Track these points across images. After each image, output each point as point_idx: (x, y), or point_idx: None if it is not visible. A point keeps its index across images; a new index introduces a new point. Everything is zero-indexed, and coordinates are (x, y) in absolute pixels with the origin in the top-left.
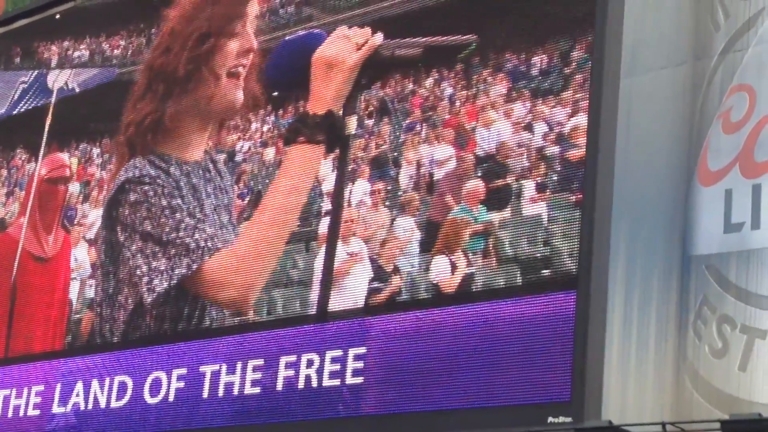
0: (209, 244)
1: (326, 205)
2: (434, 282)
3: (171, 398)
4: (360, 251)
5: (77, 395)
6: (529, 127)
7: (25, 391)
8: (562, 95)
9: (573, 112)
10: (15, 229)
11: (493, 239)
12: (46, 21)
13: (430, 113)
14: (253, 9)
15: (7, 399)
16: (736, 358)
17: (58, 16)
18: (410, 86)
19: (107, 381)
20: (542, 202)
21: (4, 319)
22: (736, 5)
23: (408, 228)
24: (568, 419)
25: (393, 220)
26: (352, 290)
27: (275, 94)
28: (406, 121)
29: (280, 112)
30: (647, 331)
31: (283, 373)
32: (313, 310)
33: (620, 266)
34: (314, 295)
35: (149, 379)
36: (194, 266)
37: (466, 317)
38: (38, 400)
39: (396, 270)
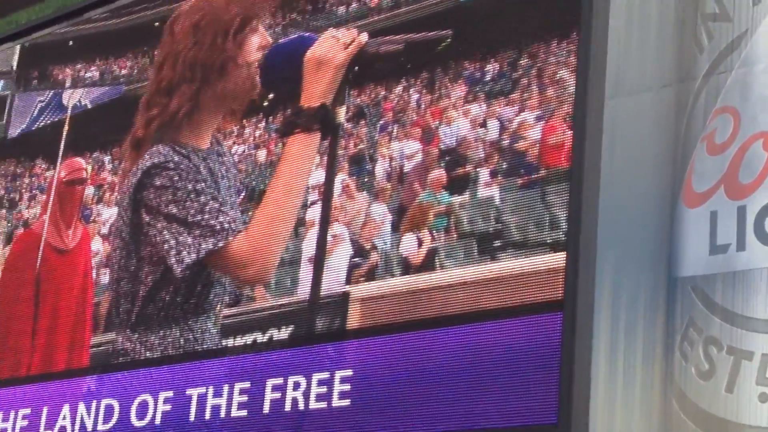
0: (232, 226)
1: (311, 196)
2: (404, 256)
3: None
4: (342, 233)
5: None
6: (484, 124)
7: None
8: (510, 96)
9: (520, 110)
10: (37, 225)
11: (454, 218)
12: (61, 47)
13: (400, 115)
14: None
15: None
16: (723, 379)
17: (71, 43)
18: (383, 93)
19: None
20: (495, 186)
21: (30, 307)
22: (719, 27)
23: (382, 212)
24: None
25: (369, 206)
26: (337, 266)
27: (271, 96)
28: (380, 123)
29: (271, 118)
30: (634, 352)
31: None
32: (304, 290)
33: (606, 288)
34: (303, 273)
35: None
36: (220, 244)
37: (450, 339)
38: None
39: (374, 247)
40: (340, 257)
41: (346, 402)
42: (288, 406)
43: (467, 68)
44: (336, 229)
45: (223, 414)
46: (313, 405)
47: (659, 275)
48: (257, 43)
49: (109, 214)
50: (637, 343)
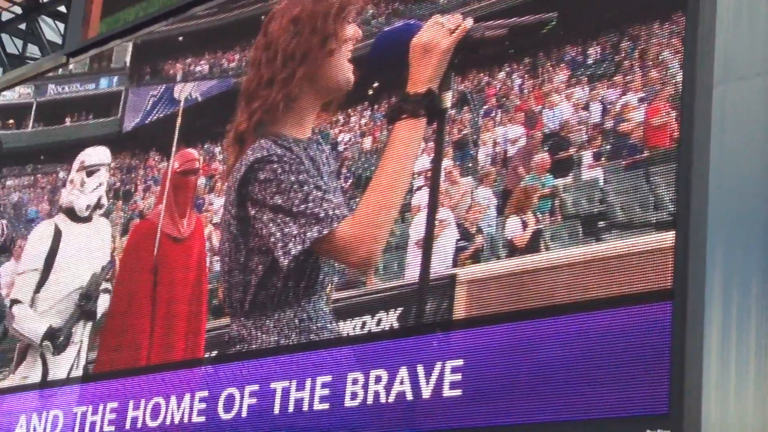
0: (336, 212)
1: (417, 182)
2: (509, 238)
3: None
4: (447, 218)
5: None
6: (586, 107)
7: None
8: (613, 79)
9: (623, 93)
10: (153, 215)
11: (558, 200)
12: (171, 43)
13: (504, 100)
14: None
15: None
16: None
17: (181, 39)
18: (486, 79)
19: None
20: (598, 168)
21: (148, 289)
22: None
23: (487, 197)
24: None
25: (474, 190)
26: (443, 250)
27: (375, 85)
28: (483, 108)
29: (376, 106)
30: (747, 340)
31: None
32: (412, 273)
33: (717, 275)
34: (411, 257)
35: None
36: (325, 231)
37: (559, 329)
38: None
39: (479, 231)
40: (446, 241)
41: (457, 392)
42: (397, 397)
43: (569, 52)
44: (442, 213)
45: (326, 405)
46: (425, 395)
47: None
48: (350, 33)
49: (220, 203)
50: (750, 331)
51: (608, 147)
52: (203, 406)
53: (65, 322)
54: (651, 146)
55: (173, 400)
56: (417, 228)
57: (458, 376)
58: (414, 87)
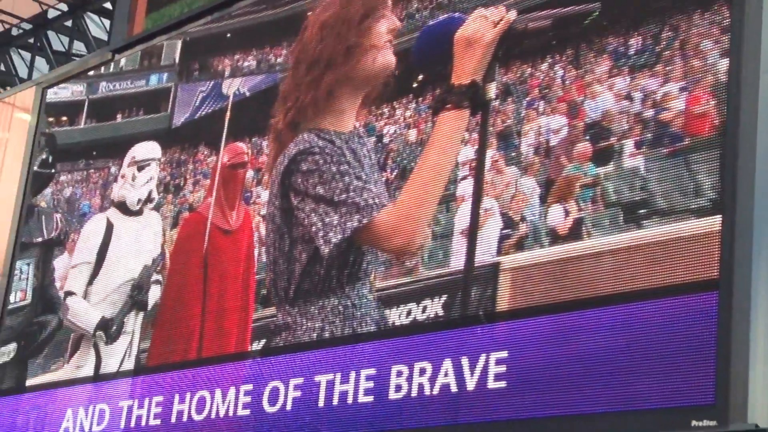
0: (377, 201)
1: (461, 172)
2: (551, 226)
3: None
4: (491, 207)
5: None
6: (628, 97)
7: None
8: (654, 69)
9: (663, 82)
10: (203, 208)
11: (600, 189)
12: (219, 39)
13: (546, 91)
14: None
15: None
16: None
17: (228, 35)
18: (529, 70)
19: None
20: (640, 156)
21: (199, 280)
22: None
23: (530, 186)
24: (713, 423)
25: (517, 180)
26: (488, 238)
27: (420, 77)
28: (526, 99)
29: (420, 99)
30: None
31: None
32: (457, 261)
33: (763, 264)
34: (456, 246)
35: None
36: (365, 220)
37: (604, 319)
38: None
39: (522, 219)
40: (490, 230)
41: (502, 384)
42: (441, 389)
43: (611, 43)
44: (486, 203)
45: (371, 398)
46: (470, 387)
47: None
48: (386, 26)
49: (267, 195)
50: None
51: (649, 136)
52: (248, 399)
53: (117, 313)
54: (691, 134)
55: (218, 393)
56: (462, 217)
57: (503, 368)
58: (458, 79)
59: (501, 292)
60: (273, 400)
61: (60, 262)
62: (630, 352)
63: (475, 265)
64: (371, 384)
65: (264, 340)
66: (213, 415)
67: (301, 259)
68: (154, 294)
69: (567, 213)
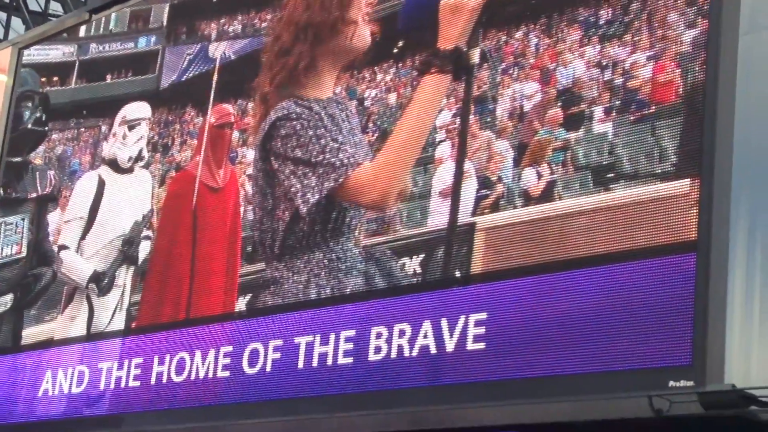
0: (351, 160)
1: (439, 135)
2: (524, 188)
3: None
4: (468, 169)
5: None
6: (598, 65)
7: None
8: (623, 38)
9: (632, 51)
10: (192, 166)
11: (570, 152)
12: (206, 3)
13: (520, 58)
14: None
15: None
16: None
17: (214, 0)
18: (503, 38)
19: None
20: (609, 122)
21: (188, 235)
22: None
23: (504, 148)
24: (690, 383)
25: (492, 142)
26: (465, 198)
27: (400, 44)
28: (501, 66)
29: (400, 64)
30: None
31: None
32: (434, 221)
33: (741, 227)
34: (434, 206)
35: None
36: (340, 180)
37: (582, 281)
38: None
39: (499, 179)
40: (467, 191)
41: (481, 345)
42: (421, 351)
43: (582, 13)
44: (464, 165)
45: (350, 359)
46: (449, 349)
47: None
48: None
49: (252, 156)
50: None
51: (617, 102)
52: (228, 361)
53: (109, 267)
54: (657, 101)
55: (198, 354)
56: (440, 179)
57: (482, 330)
58: (443, 43)
59: (476, 251)
60: (253, 362)
61: (53, 217)
62: (608, 313)
63: (452, 224)
64: (351, 346)
65: (250, 295)
66: (192, 377)
67: (284, 218)
68: (144, 249)
69: (539, 175)
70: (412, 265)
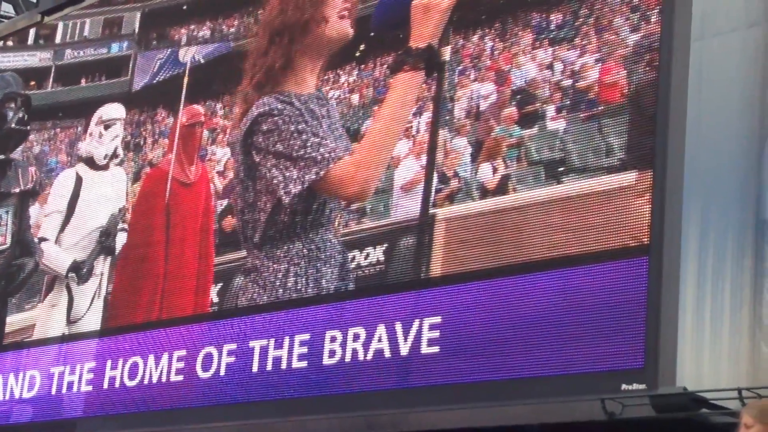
0: (332, 154)
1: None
2: (481, 182)
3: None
4: (429, 164)
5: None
6: (549, 67)
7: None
8: (573, 42)
9: (581, 54)
10: (164, 163)
11: (524, 149)
12: (176, 10)
13: (477, 60)
14: None
15: None
16: None
17: (185, 7)
18: (461, 41)
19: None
20: (560, 120)
21: (162, 226)
22: None
23: (462, 145)
24: (642, 386)
25: (450, 140)
26: (424, 192)
27: (362, 47)
28: (459, 68)
29: (362, 66)
30: (721, 296)
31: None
32: (396, 213)
33: (693, 231)
34: (395, 199)
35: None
36: (321, 173)
37: (536, 285)
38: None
39: (455, 175)
40: (428, 185)
41: (435, 349)
42: (375, 354)
43: (534, 18)
44: (423, 160)
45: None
46: (403, 352)
47: (747, 217)
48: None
49: (221, 153)
50: (725, 287)
51: (568, 102)
52: (182, 365)
53: (88, 257)
54: (603, 101)
55: (151, 359)
56: (400, 173)
57: (436, 333)
58: (416, 42)
59: (435, 250)
60: (207, 366)
61: (34, 211)
62: (561, 317)
63: (412, 216)
64: (305, 350)
65: (221, 284)
66: (146, 381)
67: (265, 209)
68: (121, 240)
69: (495, 170)
70: (376, 254)
